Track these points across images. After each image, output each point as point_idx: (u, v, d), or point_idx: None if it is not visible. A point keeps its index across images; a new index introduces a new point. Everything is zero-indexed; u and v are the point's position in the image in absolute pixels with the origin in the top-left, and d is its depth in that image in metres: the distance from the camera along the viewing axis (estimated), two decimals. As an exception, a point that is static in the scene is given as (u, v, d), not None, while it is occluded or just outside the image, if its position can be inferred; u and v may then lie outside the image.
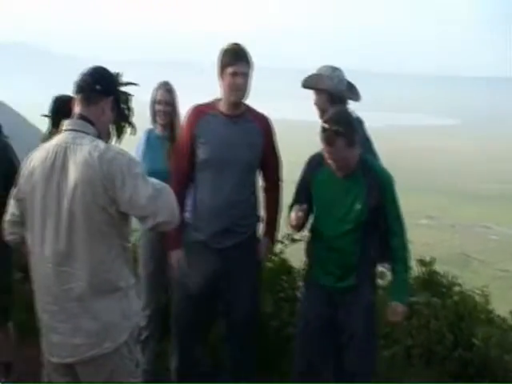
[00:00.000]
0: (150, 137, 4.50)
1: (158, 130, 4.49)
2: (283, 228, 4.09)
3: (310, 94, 3.89)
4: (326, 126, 3.34)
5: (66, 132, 2.78)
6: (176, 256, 3.83)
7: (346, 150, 3.35)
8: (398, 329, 4.59)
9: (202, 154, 3.74)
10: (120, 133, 5.55)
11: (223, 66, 3.66)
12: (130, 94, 5.56)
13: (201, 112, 3.80)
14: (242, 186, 3.77)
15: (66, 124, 2.81)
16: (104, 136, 2.89)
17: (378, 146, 3.99)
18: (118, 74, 5.13)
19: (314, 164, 3.61)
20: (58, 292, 2.72)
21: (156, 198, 2.70)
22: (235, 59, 3.62)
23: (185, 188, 3.83)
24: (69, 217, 2.66)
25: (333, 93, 3.80)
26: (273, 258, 5.04)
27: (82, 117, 2.79)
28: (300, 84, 3.88)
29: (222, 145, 3.70)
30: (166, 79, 4.54)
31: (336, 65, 3.91)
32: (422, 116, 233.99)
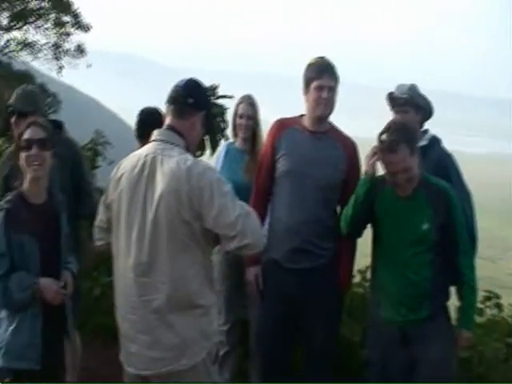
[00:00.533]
0: (229, 150, 4.44)
1: (238, 144, 4.42)
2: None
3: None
4: (387, 134, 3.17)
5: (155, 142, 2.74)
6: (253, 272, 3.71)
7: (409, 159, 3.16)
8: (492, 372, 4.27)
9: (281, 166, 3.63)
10: (214, 145, 5.52)
11: (308, 81, 3.55)
12: (225, 108, 5.52)
13: (284, 125, 3.71)
14: (321, 206, 3.59)
15: (155, 134, 2.79)
16: (193, 150, 2.84)
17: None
18: (214, 86, 5.12)
19: (376, 184, 3.32)
20: (137, 302, 2.68)
21: (244, 219, 2.61)
22: (320, 73, 3.50)
23: (264, 202, 3.73)
24: (153, 228, 2.62)
25: (429, 111, 3.62)
26: (363, 283, 4.87)
27: (171, 128, 2.76)
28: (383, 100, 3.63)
29: (302, 158, 3.57)
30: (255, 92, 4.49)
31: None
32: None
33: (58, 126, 3.88)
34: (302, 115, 3.69)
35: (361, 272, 5.11)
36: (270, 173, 3.71)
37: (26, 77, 20.98)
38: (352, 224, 3.40)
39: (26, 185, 2.98)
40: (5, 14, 18.51)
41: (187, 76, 2.88)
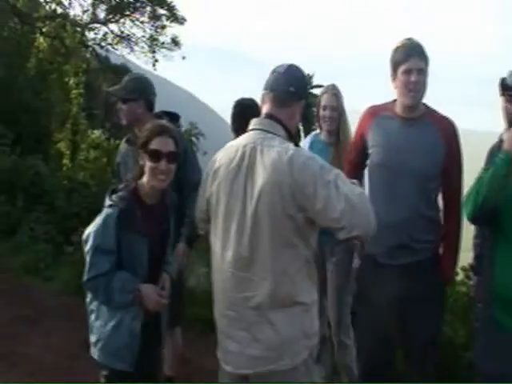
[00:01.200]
0: (314, 141, 4.32)
1: (323, 136, 4.28)
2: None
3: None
4: None
5: (255, 131, 2.63)
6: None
7: None
8: None
9: (373, 158, 3.46)
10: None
11: (395, 65, 3.31)
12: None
13: (375, 113, 3.51)
14: (420, 197, 3.36)
15: (254, 123, 2.68)
16: (293, 139, 2.71)
17: None
18: (309, 75, 5.00)
19: None
20: (236, 298, 2.60)
21: (351, 211, 2.47)
22: (408, 55, 3.25)
23: None
24: (253, 221, 2.52)
25: None
26: (466, 281, 4.64)
27: (271, 116, 2.64)
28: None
29: (395, 148, 3.36)
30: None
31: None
32: None
33: (174, 118, 3.84)
34: (394, 100, 3.45)
35: (464, 270, 4.89)
36: (359, 166, 3.60)
37: (123, 70, 21.56)
38: (483, 207, 2.85)
39: (143, 186, 2.89)
40: (102, 7, 19.02)
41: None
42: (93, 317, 2.97)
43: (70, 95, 15.30)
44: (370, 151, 3.48)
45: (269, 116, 2.65)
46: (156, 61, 20.26)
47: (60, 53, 15.30)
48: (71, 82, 15.41)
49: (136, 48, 20.36)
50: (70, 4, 16.66)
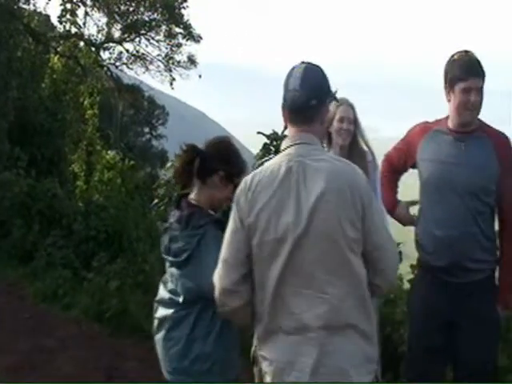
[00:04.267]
0: None
1: (334, 152, 3.91)
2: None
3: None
4: None
5: (292, 147, 2.43)
6: None
7: None
8: None
9: (424, 173, 3.35)
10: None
11: (452, 80, 3.16)
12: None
13: (426, 128, 3.39)
14: (474, 214, 3.19)
15: (290, 139, 2.47)
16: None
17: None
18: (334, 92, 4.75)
19: None
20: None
21: (386, 245, 2.42)
22: (467, 73, 3.11)
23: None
24: (310, 237, 2.31)
25: None
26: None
27: (304, 130, 2.45)
28: None
29: (446, 164, 3.23)
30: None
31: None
32: None
33: None
34: (447, 117, 3.31)
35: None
36: (398, 167, 3.60)
37: (137, 89, 21.54)
38: None
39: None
40: (117, 26, 19.01)
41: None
42: None
43: (85, 115, 15.22)
44: (419, 165, 3.38)
45: (302, 130, 2.46)
46: (173, 79, 20.21)
47: (75, 73, 15.22)
48: (86, 102, 15.34)
49: (151, 67, 20.36)
50: (84, 24, 16.62)
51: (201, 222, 2.73)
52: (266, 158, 3.58)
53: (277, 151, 4.82)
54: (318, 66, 2.49)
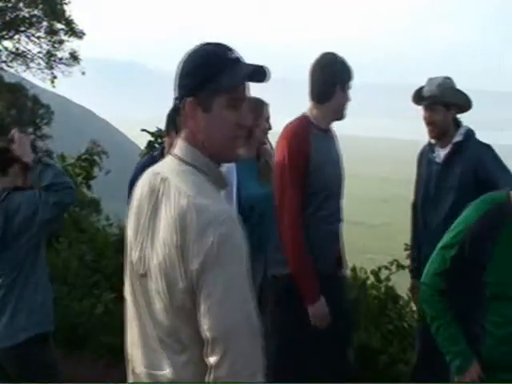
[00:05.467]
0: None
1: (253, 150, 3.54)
2: (388, 251, 3.70)
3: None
4: None
5: None
6: None
7: None
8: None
9: None
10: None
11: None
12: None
13: None
14: None
15: None
16: None
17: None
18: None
19: (497, 219, 2.39)
20: None
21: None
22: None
23: None
24: None
25: (463, 105, 3.30)
26: (378, 285, 4.69)
27: None
28: (409, 99, 3.30)
29: None
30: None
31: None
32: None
33: None
34: None
35: (374, 273, 4.94)
36: None
37: (19, 88, 20.71)
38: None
39: None
40: (-5, 23, 18.25)
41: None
42: None
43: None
44: None
45: None
46: (54, 77, 19.59)
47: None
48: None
49: (32, 65, 19.66)
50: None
51: None
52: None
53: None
54: None
